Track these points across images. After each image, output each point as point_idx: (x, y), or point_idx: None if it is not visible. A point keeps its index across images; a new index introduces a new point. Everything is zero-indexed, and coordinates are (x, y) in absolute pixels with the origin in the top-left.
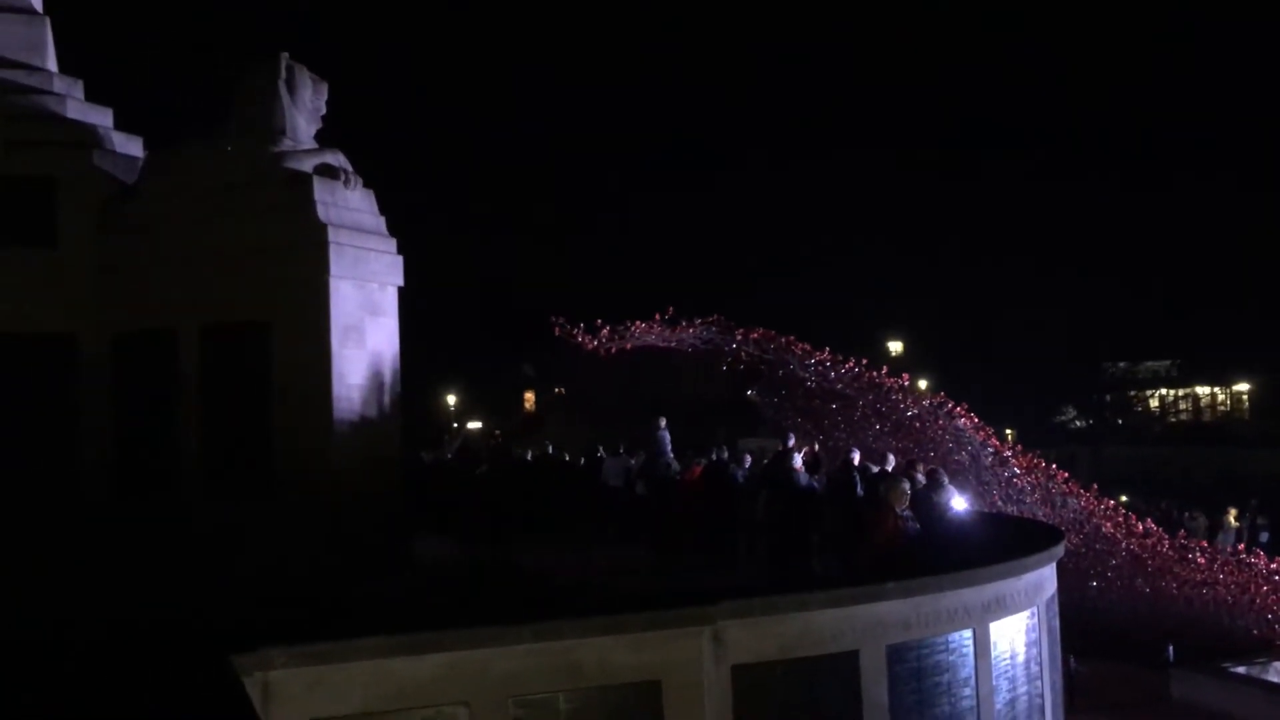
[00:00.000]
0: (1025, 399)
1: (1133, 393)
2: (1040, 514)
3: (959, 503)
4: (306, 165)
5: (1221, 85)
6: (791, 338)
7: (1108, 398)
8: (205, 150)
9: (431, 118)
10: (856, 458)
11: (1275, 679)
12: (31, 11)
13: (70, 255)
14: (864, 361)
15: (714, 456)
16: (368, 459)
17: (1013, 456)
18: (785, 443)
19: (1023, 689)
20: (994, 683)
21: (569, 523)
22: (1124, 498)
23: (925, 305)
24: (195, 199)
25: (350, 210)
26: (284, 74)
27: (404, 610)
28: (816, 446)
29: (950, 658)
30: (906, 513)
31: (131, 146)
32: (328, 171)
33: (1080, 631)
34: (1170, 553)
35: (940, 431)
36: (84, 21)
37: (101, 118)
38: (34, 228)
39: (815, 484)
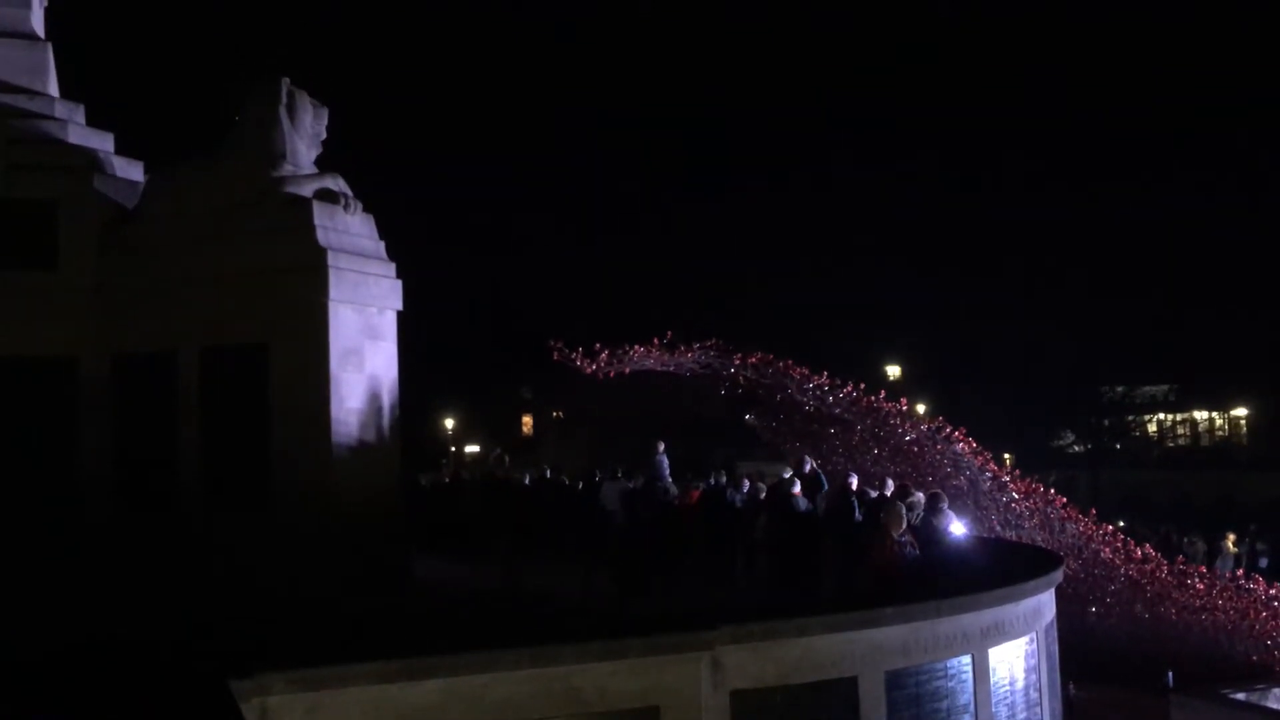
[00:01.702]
0: (1023, 423)
1: (1130, 417)
2: (1039, 539)
3: (957, 528)
4: (306, 190)
5: (1221, 105)
6: (789, 361)
7: (1105, 422)
8: (206, 174)
9: (431, 143)
10: (855, 482)
11: (1275, 705)
12: (33, 37)
13: (71, 278)
14: (862, 385)
15: (712, 480)
16: (367, 481)
17: (1011, 481)
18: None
19: (1022, 715)
20: (993, 709)
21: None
22: (1121, 522)
23: (923, 330)
24: (195, 223)
25: (350, 235)
26: (285, 99)
27: (403, 633)
28: (813, 465)
29: (949, 683)
30: (905, 538)
31: (132, 171)
32: (328, 196)
33: (1079, 657)
34: (1169, 578)
35: (938, 456)
36: (86, 47)
37: (102, 142)
38: (35, 250)
39: (813, 508)
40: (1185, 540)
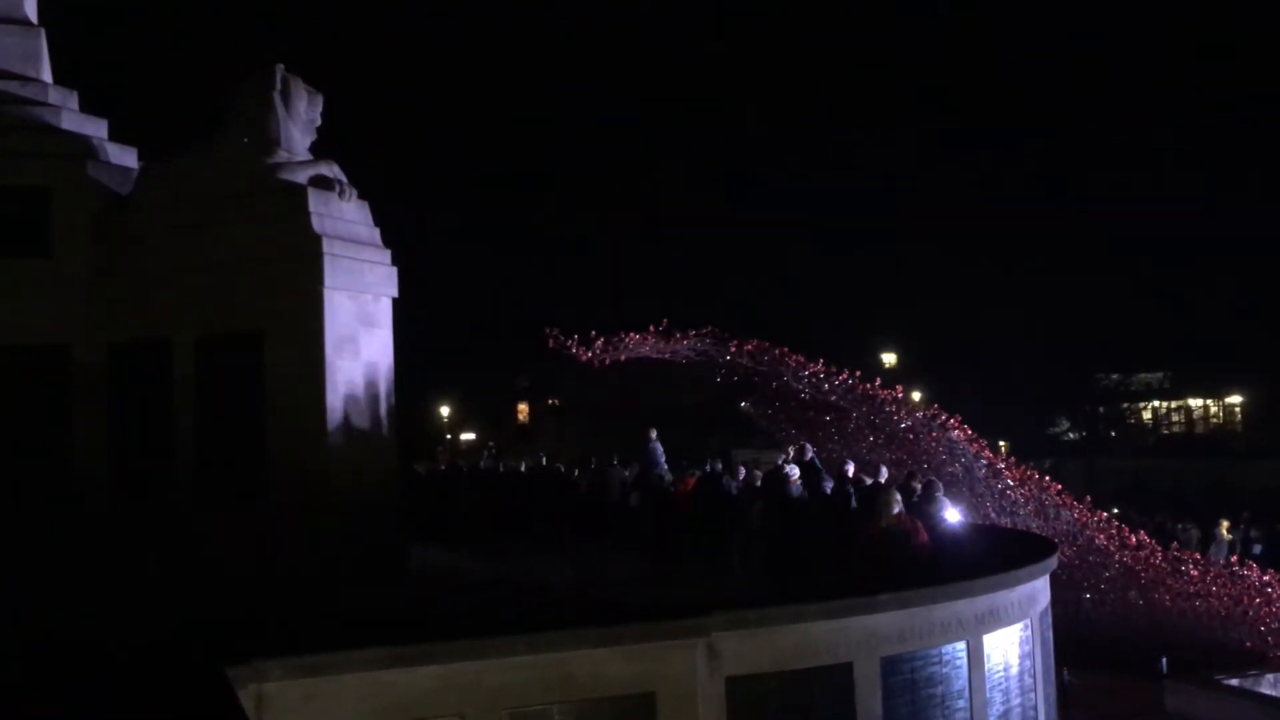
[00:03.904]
0: (1018, 411)
1: (1126, 405)
2: (1034, 526)
3: (952, 514)
4: (301, 177)
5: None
6: (785, 349)
7: (1101, 409)
8: (200, 161)
9: (427, 129)
10: (851, 469)
11: (1268, 691)
12: (27, 23)
13: (65, 266)
14: (858, 373)
15: (708, 468)
16: (362, 469)
17: (1006, 468)
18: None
19: (1016, 701)
20: (988, 694)
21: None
22: (1115, 510)
23: (919, 317)
24: (189, 210)
25: (345, 222)
26: (279, 85)
27: (399, 621)
28: (813, 453)
29: (944, 669)
30: (909, 524)
31: (126, 157)
32: (322, 183)
33: (1073, 643)
34: (1163, 565)
35: (934, 443)
36: (79, 33)
37: (96, 129)
38: (29, 238)
39: (809, 495)
40: (1180, 527)
